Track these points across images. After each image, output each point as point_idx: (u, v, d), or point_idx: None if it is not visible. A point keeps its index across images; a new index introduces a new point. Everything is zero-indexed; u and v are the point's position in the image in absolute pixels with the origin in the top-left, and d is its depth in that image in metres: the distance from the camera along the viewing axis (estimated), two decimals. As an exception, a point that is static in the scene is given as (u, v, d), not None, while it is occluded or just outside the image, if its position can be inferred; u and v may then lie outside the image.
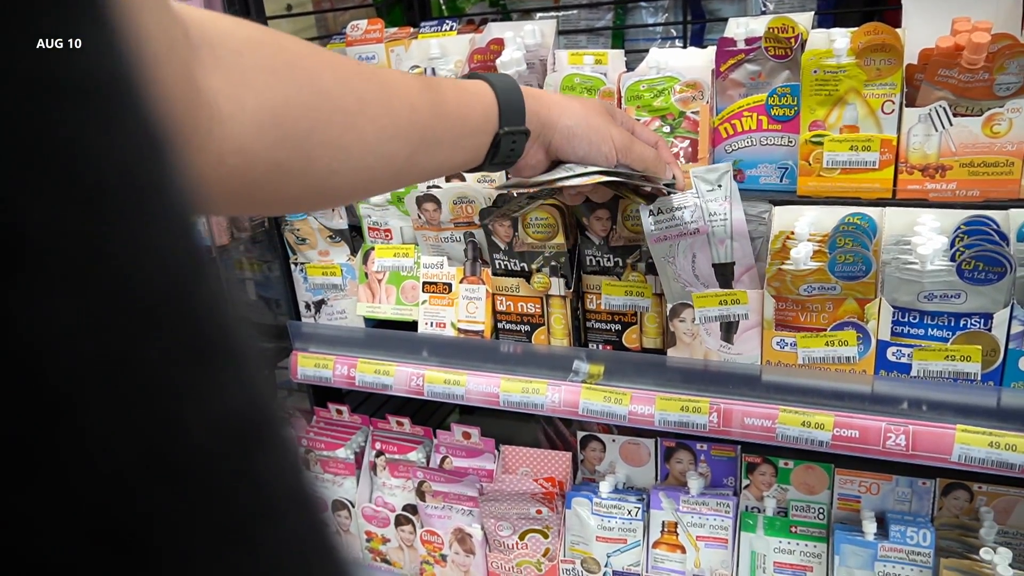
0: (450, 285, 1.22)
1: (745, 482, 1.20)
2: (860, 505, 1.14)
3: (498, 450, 1.32)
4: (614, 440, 1.27)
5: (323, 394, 1.45)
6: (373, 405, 1.54)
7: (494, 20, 1.67)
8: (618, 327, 1.15)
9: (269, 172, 0.57)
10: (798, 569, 1.15)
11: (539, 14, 1.58)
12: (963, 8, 1.09)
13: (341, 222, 1.29)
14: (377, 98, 0.66)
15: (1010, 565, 0.99)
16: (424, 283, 1.24)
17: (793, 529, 1.15)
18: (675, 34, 1.50)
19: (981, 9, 1.09)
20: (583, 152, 0.88)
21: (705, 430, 1.06)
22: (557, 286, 1.14)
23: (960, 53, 1.00)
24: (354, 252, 1.30)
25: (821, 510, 1.15)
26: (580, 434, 1.29)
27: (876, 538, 1.08)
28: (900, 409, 0.99)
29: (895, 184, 1.11)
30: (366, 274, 1.30)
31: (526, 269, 1.16)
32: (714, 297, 1.04)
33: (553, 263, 1.13)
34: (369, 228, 1.29)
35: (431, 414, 1.67)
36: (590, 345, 1.18)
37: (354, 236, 1.30)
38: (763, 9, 1.42)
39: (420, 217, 1.21)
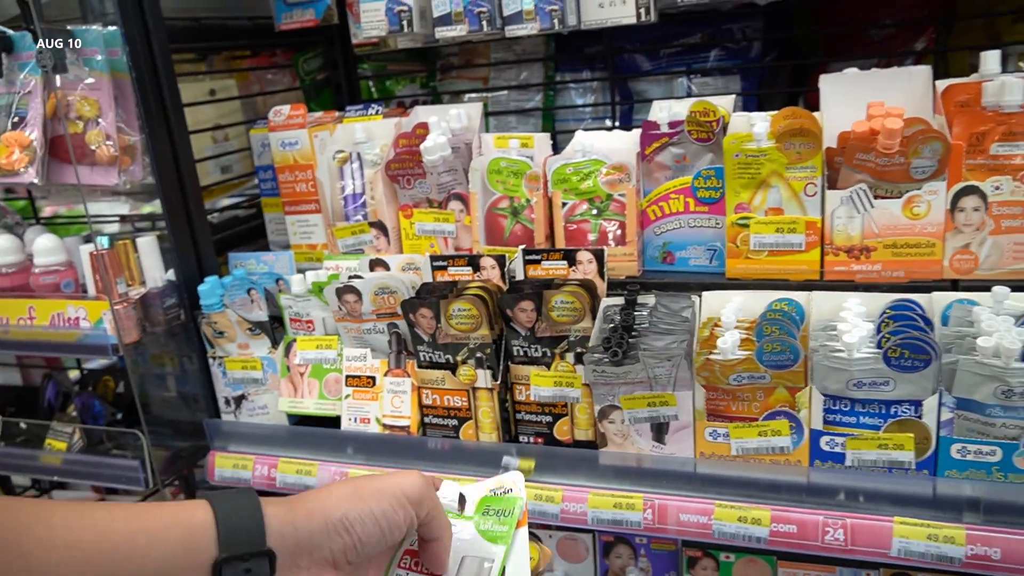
0: (374, 378, 1.16)
1: (687, 577, 1.15)
2: (805, 599, 1.09)
3: (431, 549, 1.24)
4: (551, 536, 1.21)
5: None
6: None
7: (424, 102, 1.66)
8: (549, 419, 1.11)
9: None
10: (745, 671, 1.09)
11: (469, 95, 1.58)
12: (877, 92, 1.10)
13: (261, 314, 1.24)
14: (47, 553, 0.56)
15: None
16: (347, 376, 1.18)
17: (737, 627, 1.10)
18: (604, 114, 1.51)
19: (894, 93, 1.10)
20: (375, 539, 0.65)
21: (640, 528, 1.01)
22: (484, 378, 1.10)
23: (876, 138, 1.01)
24: (275, 344, 1.24)
25: (766, 606, 1.10)
26: (516, 530, 1.23)
27: (822, 636, 1.03)
28: (837, 500, 0.96)
29: (822, 266, 1.10)
30: (288, 367, 1.24)
31: (451, 361, 1.11)
32: (642, 399, 1.01)
33: (479, 354, 1.09)
34: (291, 319, 1.24)
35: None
36: (520, 438, 1.13)
37: (275, 327, 1.25)
38: (688, 91, 1.43)
39: (341, 308, 1.17)
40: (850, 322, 0.95)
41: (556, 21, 1.23)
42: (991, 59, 1.05)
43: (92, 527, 0.58)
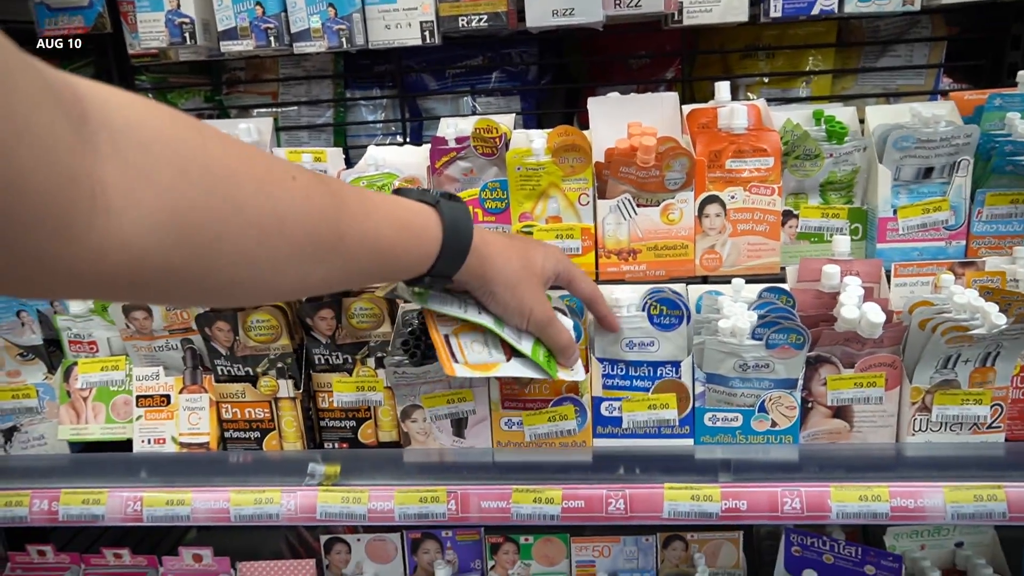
0: (168, 397, 1.13)
1: (491, 563, 1.22)
2: (595, 569, 1.20)
3: (235, 568, 1.22)
4: (359, 539, 1.23)
5: (21, 535, 1.25)
6: (88, 539, 1.37)
7: (210, 117, 1.62)
8: (353, 424, 1.14)
9: (160, 272, 0.52)
10: (546, 642, 1.19)
11: (257, 111, 1.57)
12: (636, 113, 1.25)
13: (35, 337, 1.16)
14: (302, 219, 0.62)
15: (720, 604, 1.10)
16: (138, 397, 1.13)
17: (538, 603, 1.19)
18: (395, 130, 1.56)
19: (650, 114, 1.26)
20: (496, 311, 0.89)
21: (445, 519, 1.07)
22: (286, 388, 1.11)
23: (635, 153, 1.15)
24: (52, 369, 1.16)
25: (561, 580, 1.21)
26: (323, 538, 1.24)
27: (608, 599, 1.14)
28: (618, 475, 1.07)
29: (597, 267, 1.23)
30: (68, 393, 1.16)
31: (251, 373, 1.11)
32: (442, 396, 1.07)
33: (279, 365, 1.10)
34: (70, 342, 1.17)
35: (162, 538, 1.52)
36: (326, 445, 1.15)
37: (52, 351, 1.17)
38: (473, 110, 1.53)
39: (129, 326, 1.12)
40: (624, 297, 1.06)
41: (344, 40, 1.27)
42: (723, 88, 1.24)
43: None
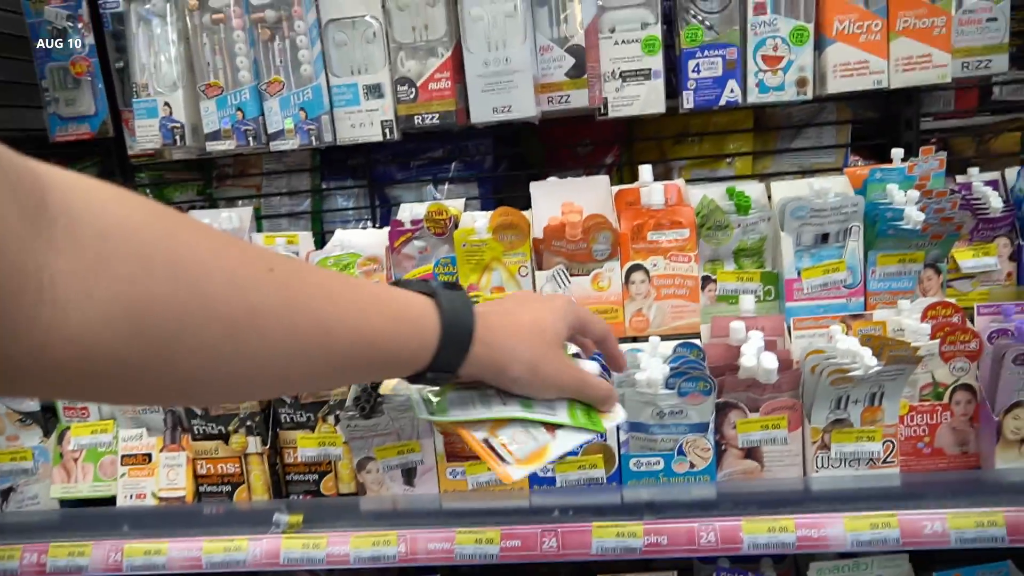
0: (150, 455, 1.25)
1: (445, 608, 1.31)
2: (541, 611, 1.29)
3: (209, 619, 1.31)
4: (323, 588, 1.33)
5: (14, 591, 1.36)
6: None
7: (201, 208, 1.80)
8: (315, 477, 1.26)
9: (113, 368, 0.49)
10: None
11: (242, 201, 1.75)
12: (573, 195, 1.42)
13: (33, 404, 1.29)
14: (278, 313, 0.57)
15: (654, 638, 1.19)
16: (123, 456, 1.26)
17: (489, 645, 1.27)
18: (366, 216, 1.73)
19: (587, 196, 1.42)
20: (521, 394, 0.80)
21: (395, 560, 1.17)
22: (254, 444, 1.23)
23: (564, 229, 1.31)
24: (47, 433, 1.29)
25: (511, 622, 1.29)
26: (291, 588, 1.34)
27: (553, 637, 1.23)
28: (553, 516, 1.18)
29: (537, 331, 1.37)
30: (61, 454, 1.29)
31: (224, 431, 1.24)
32: (393, 448, 1.20)
33: (248, 423, 1.23)
34: (65, 407, 1.30)
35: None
36: (291, 497, 1.27)
37: (48, 416, 1.30)
38: (435, 197, 1.70)
39: (116, 392, 1.26)
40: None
41: (313, 138, 1.46)
42: (645, 172, 1.40)
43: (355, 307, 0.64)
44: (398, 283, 0.75)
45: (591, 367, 0.88)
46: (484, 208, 1.69)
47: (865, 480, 1.15)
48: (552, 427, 0.82)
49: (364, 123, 1.48)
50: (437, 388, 0.81)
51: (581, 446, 0.85)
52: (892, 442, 1.15)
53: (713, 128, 1.65)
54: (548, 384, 0.79)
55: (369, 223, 1.72)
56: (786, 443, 1.17)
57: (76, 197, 0.48)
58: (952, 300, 1.21)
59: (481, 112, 1.41)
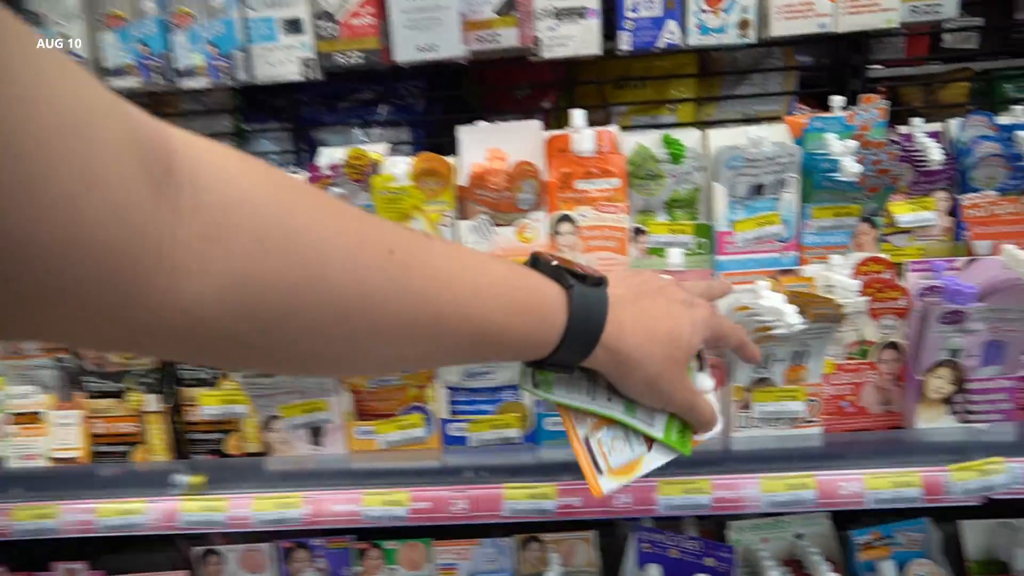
0: (40, 414, 1.18)
1: (359, 568, 1.27)
2: (457, 571, 1.26)
3: (112, 581, 1.27)
4: (232, 550, 1.28)
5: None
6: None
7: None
8: (219, 436, 1.20)
9: (222, 341, 0.49)
10: (410, 644, 1.23)
11: (156, 143, 1.65)
12: (503, 141, 1.34)
13: (-86, 359, 1.21)
14: (391, 299, 0.56)
15: (569, 601, 1.16)
16: (14, 415, 1.19)
17: (403, 606, 1.24)
18: (293, 161, 1.64)
19: (517, 142, 1.34)
20: (635, 396, 0.77)
21: (299, 523, 1.12)
22: (152, 402, 1.17)
23: (487, 177, 1.23)
24: (-67, 390, 1.22)
25: (426, 583, 1.26)
26: (199, 549, 1.29)
27: (466, 600, 1.20)
28: (466, 477, 1.13)
29: (460, 284, 1.31)
30: (-52, 412, 1.21)
31: (120, 388, 1.17)
32: (298, 407, 1.14)
33: (146, 380, 1.16)
34: (-49, 362, 1.22)
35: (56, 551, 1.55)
36: (192, 457, 1.21)
37: (-68, 373, 1.22)
38: (364, 141, 1.61)
39: (3, 347, 1.18)
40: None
41: (226, 76, 1.36)
42: (578, 116, 1.32)
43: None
44: (536, 261, 0.73)
45: (706, 384, 0.83)
46: (416, 154, 1.61)
47: (787, 440, 1.12)
48: (647, 439, 0.80)
49: (283, 61, 1.38)
50: None
51: (664, 466, 0.81)
52: (816, 401, 1.11)
53: (656, 73, 1.58)
54: (660, 398, 0.77)
55: (296, 168, 1.63)
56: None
57: (203, 165, 0.47)
58: (884, 256, 1.16)
59: (405, 50, 1.32)
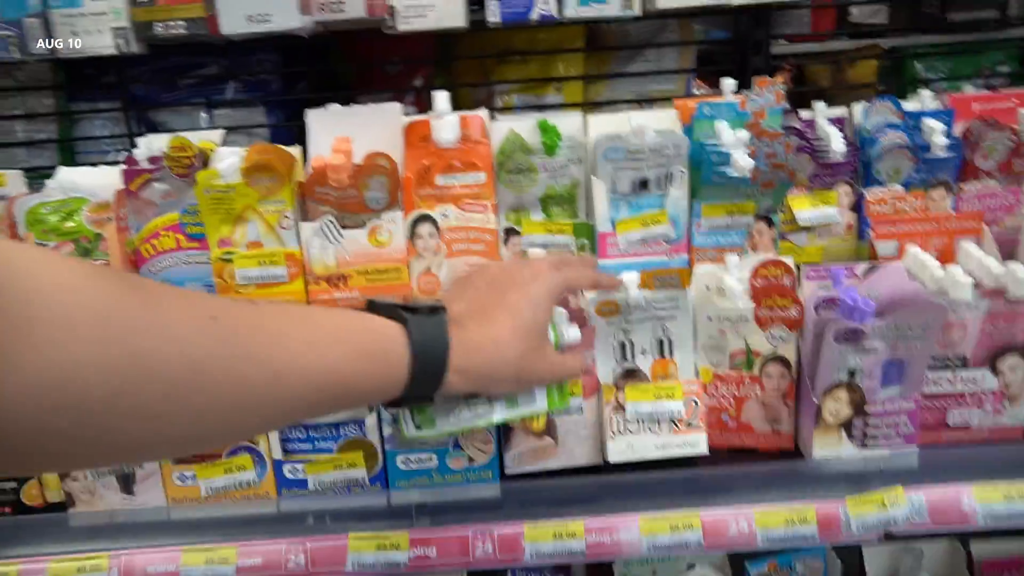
0: None
1: (196, 626, 1.11)
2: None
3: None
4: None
5: None
6: None
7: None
8: (13, 485, 1.01)
9: (49, 439, 0.47)
10: None
11: (-40, 127, 1.41)
12: (360, 127, 1.16)
13: None
14: (221, 366, 0.54)
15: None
16: None
17: (246, 667, 1.08)
18: (126, 147, 1.43)
19: (375, 128, 1.16)
20: (507, 394, 0.83)
21: (105, 589, 0.95)
22: (-79, 450, 0.97)
23: (328, 173, 1.06)
24: None
25: (274, 639, 1.10)
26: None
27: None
28: (307, 525, 0.98)
29: (308, 295, 1.13)
30: None
31: None
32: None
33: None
34: None
35: None
36: (-15, 510, 1.02)
37: None
38: (211, 123, 1.41)
39: None
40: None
41: (14, 48, 1.14)
42: (441, 99, 1.15)
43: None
44: (371, 306, 0.74)
45: (574, 335, 0.88)
46: (276, 140, 1.42)
47: (669, 462, 0.99)
48: None
49: (90, 30, 1.17)
50: None
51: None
52: (695, 401, 0.98)
53: (541, 47, 1.41)
54: (530, 384, 0.82)
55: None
56: (581, 413, 0.99)
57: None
58: (784, 259, 1.04)
59: (232, 21, 1.13)
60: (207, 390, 0.54)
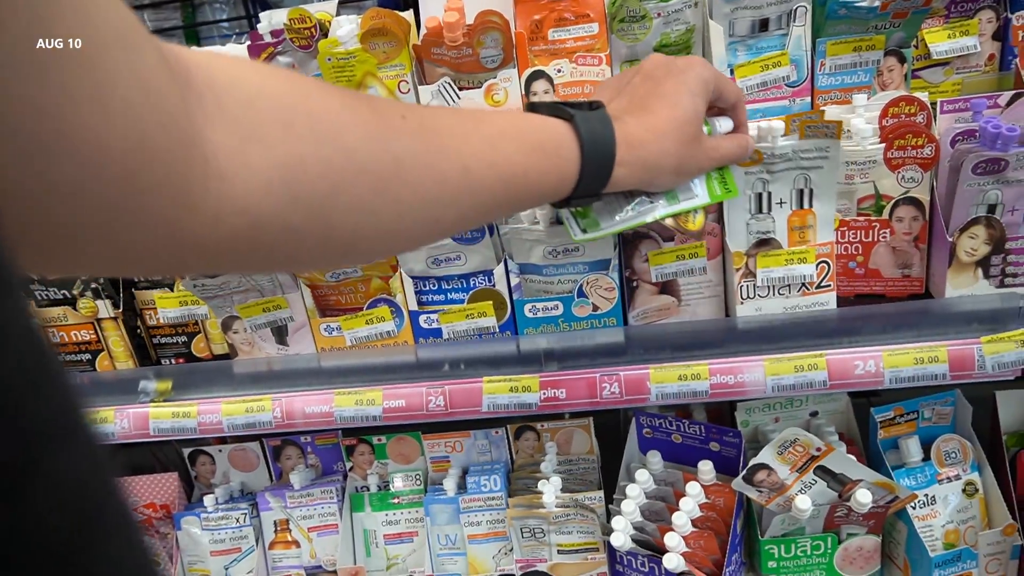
0: (-5, 326, 1.12)
1: (349, 464, 1.23)
2: (450, 464, 1.21)
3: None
4: (221, 450, 1.25)
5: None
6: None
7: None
8: (184, 339, 1.13)
9: (280, 235, 0.50)
10: (405, 536, 1.20)
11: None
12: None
13: None
14: (420, 160, 0.57)
15: (562, 490, 1.10)
16: (-30, 329, 1.13)
17: (396, 500, 1.20)
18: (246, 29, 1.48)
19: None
20: (669, 188, 0.82)
21: (272, 426, 1.07)
22: (105, 308, 1.09)
23: (443, 33, 1.07)
24: None
25: (418, 476, 1.21)
26: (186, 450, 1.26)
27: (457, 493, 1.15)
28: (443, 371, 1.05)
29: (429, 159, 1.17)
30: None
31: (69, 295, 1.09)
32: (256, 305, 1.05)
33: (94, 285, 1.08)
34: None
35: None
36: (162, 361, 1.15)
37: None
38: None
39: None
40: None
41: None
42: (550, -51, 1.13)
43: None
44: (533, 107, 0.74)
45: (726, 126, 0.86)
46: (384, 7, 1.42)
47: (795, 312, 0.99)
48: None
49: (207, -91, 1.19)
50: None
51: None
52: (827, 263, 0.97)
53: None
54: (692, 175, 0.82)
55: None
56: (704, 273, 1.00)
57: (214, 71, 0.48)
58: (919, 94, 0.98)
59: None
60: (409, 183, 0.57)
